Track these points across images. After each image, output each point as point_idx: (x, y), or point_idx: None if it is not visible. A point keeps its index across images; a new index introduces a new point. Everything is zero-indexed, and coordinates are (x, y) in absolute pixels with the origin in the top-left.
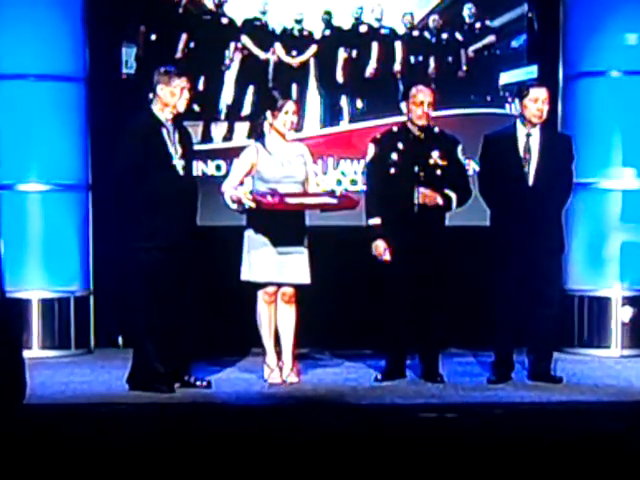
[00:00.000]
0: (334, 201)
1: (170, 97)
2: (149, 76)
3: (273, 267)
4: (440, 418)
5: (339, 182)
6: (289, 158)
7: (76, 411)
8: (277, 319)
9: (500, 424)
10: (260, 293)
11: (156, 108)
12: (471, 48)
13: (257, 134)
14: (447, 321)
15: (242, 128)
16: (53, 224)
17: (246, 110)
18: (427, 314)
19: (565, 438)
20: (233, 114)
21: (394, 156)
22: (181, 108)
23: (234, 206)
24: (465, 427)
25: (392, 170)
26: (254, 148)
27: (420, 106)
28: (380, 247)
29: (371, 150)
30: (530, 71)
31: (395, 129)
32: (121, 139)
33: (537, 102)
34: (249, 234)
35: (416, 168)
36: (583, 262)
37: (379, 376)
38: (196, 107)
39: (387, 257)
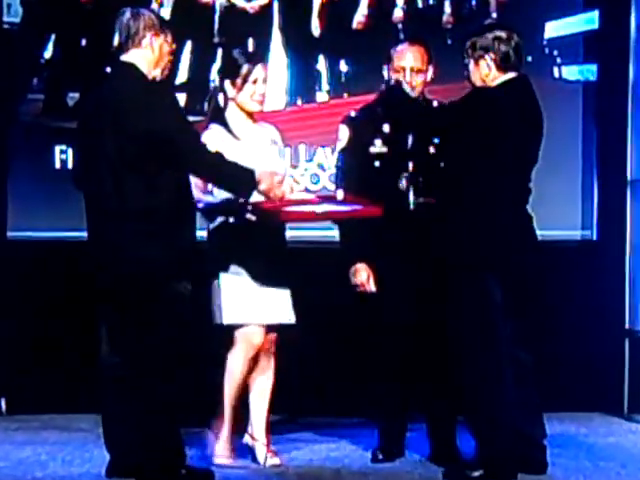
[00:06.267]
0: (358, 207)
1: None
2: (39, 26)
3: (258, 303)
4: None
5: (316, 179)
6: (262, 145)
7: None
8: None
9: None
10: (242, 340)
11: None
12: None
13: (213, 112)
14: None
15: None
16: None
17: (182, 76)
18: (437, 368)
19: None
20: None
21: (377, 143)
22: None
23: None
24: None
25: (377, 163)
26: (216, 132)
27: (402, 73)
28: (362, 273)
29: (343, 133)
30: (588, 19)
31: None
32: None
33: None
34: (221, 259)
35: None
36: None
37: (379, 455)
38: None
39: (372, 287)
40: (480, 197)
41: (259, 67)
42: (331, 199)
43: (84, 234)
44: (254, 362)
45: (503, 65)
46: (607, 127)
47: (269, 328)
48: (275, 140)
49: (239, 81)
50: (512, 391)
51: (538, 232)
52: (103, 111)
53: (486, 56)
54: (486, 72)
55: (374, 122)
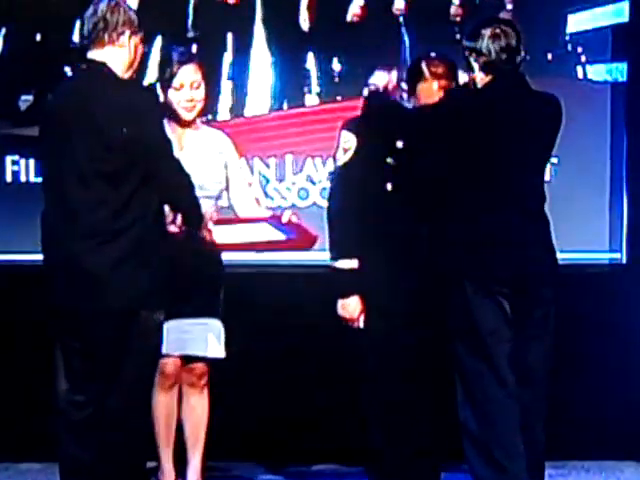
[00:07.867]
0: (281, 237)
1: None
2: None
3: (169, 334)
4: None
5: (305, 194)
6: (201, 156)
7: None
8: (182, 415)
9: None
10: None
11: None
12: None
13: None
14: None
15: None
16: None
17: (151, 76)
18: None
19: None
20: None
21: (390, 160)
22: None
23: None
24: None
25: (389, 186)
26: None
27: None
28: (352, 307)
29: (350, 141)
30: (617, 11)
31: None
32: None
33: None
34: None
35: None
36: None
37: None
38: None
39: (360, 324)
40: (457, 205)
41: (187, 69)
42: (276, 220)
43: (39, 257)
44: (177, 398)
45: (486, 68)
46: (638, 134)
47: (188, 360)
48: (221, 150)
49: (164, 85)
50: (513, 431)
51: (558, 255)
52: (72, 114)
53: (470, 57)
54: (474, 74)
55: (386, 135)
